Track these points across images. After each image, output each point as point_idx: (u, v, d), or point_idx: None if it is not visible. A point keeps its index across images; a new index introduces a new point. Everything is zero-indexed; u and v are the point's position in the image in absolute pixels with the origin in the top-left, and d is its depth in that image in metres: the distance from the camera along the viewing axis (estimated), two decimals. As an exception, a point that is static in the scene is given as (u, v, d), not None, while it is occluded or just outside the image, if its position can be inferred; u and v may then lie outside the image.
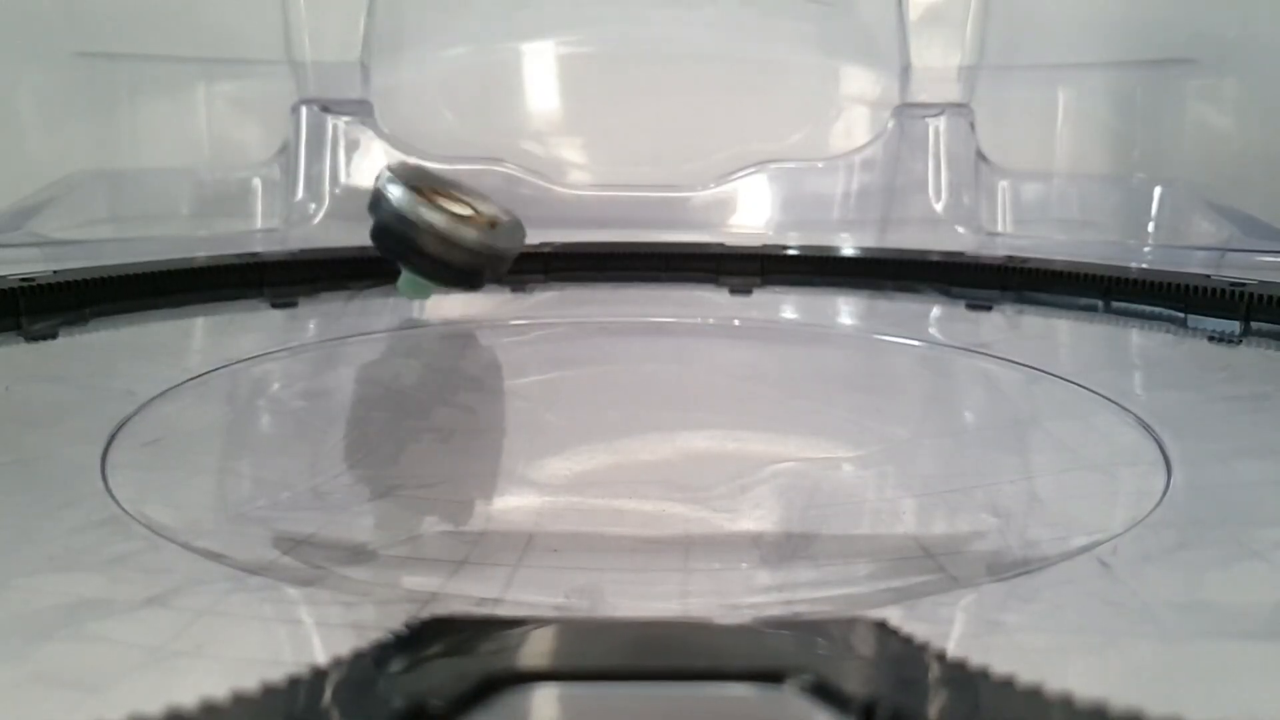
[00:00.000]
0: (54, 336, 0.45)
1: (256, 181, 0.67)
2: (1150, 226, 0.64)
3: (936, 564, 0.24)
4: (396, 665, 0.15)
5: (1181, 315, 0.48)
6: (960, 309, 0.55)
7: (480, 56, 0.72)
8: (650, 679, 0.14)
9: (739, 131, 0.71)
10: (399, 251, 0.43)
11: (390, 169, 0.44)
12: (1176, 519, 0.26)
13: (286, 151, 0.67)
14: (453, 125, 0.71)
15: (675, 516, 0.28)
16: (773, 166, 0.70)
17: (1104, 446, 0.33)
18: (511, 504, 0.29)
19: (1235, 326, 0.46)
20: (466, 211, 0.45)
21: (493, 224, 0.46)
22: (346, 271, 0.58)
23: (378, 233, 0.43)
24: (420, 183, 0.45)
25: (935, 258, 0.59)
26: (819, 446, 0.36)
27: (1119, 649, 0.20)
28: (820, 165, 0.71)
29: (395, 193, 0.43)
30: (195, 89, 0.68)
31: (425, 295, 0.45)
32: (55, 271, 0.48)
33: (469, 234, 0.43)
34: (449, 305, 0.56)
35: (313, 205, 0.67)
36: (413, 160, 0.68)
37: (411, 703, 0.13)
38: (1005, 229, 0.67)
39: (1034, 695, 0.13)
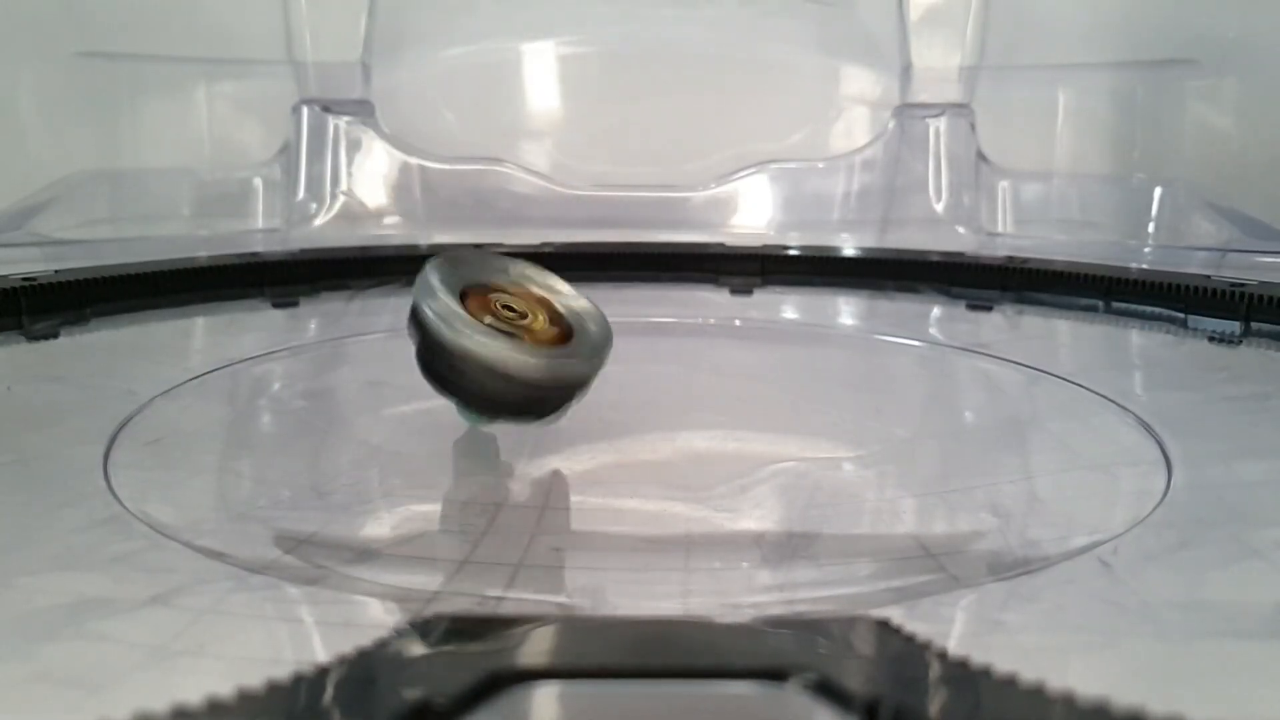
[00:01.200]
0: (55, 336, 0.45)
1: (257, 181, 0.67)
2: (1150, 227, 0.64)
3: (937, 564, 0.24)
4: (399, 663, 0.15)
5: (1182, 316, 0.48)
6: (960, 309, 0.55)
7: (480, 56, 0.72)
8: (652, 677, 0.14)
9: (739, 131, 0.71)
10: (441, 382, 0.31)
11: (435, 266, 0.32)
12: (1177, 519, 0.26)
13: (287, 151, 0.67)
14: (453, 125, 0.71)
15: (676, 516, 0.28)
16: (773, 167, 0.70)
17: (1104, 447, 0.33)
18: (512, 504, 0.29)
19: (1235, 327, 0.46)
20: (535, 321, 0.32)
21: (564, 337, 0.32)
22: (347, 271, 0.58)
23: (418, 355, 0.32)
24: (475, 279, 0.33)
25: (935, 258, 0.59)
26: (819, 446, 0.36)
27: (1120, 648, 0.20)
28: (820, 165, 0.71)
29: (433, 310, 0.30)
30: (196, 89, 0.68)
31: (489, 422, 0.33)
32: (56, 271, 0.48)
33: (525, 363, 0.30)
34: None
35: (314, 205, 0.67)
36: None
37: (414, 700, 0.13)
38: (1005, 229, 0.67)
39: (1035, 694, 0.13)
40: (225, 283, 0.54)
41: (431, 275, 0.32)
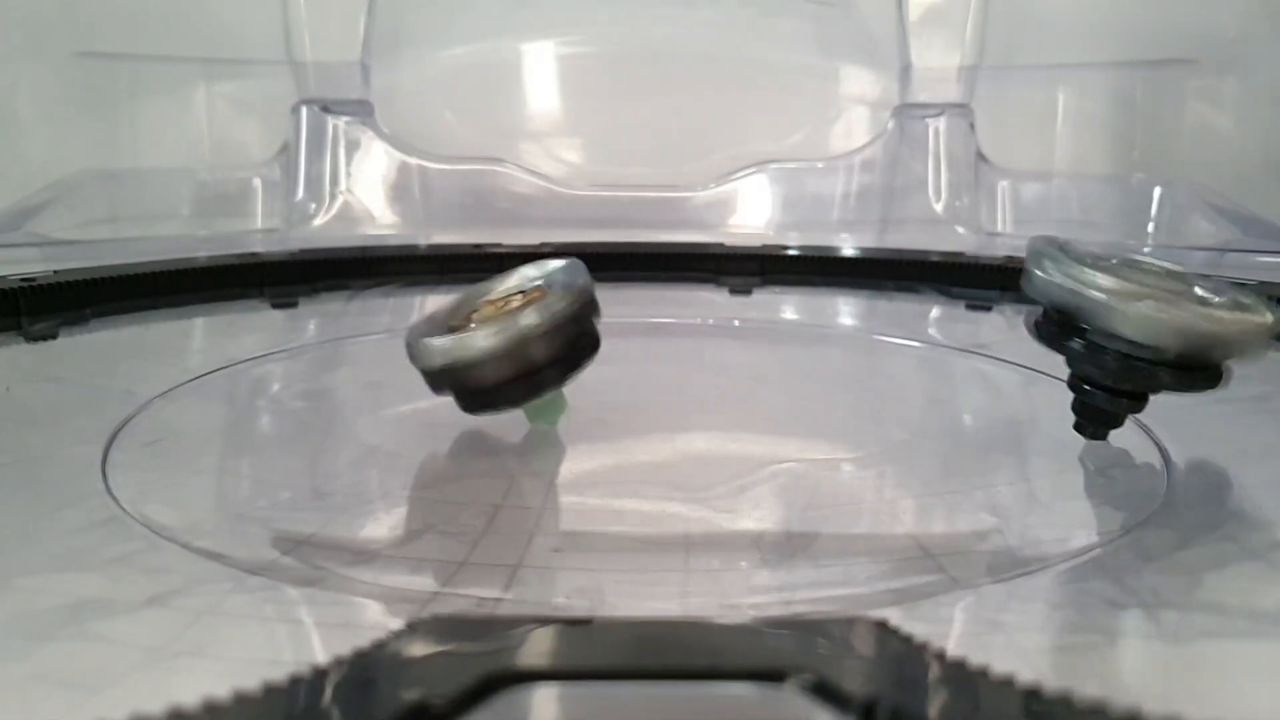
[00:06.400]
0: (54, 337, 0.45)
1: (256, 181, 0.67)
2: (1150, 226, 0.64)
3: (936, 564, 0.24)
4: (397, 664, 0.15)
5: (1181, 315, 0.48)
6: (960, 309, 0.55)
7: (480, 56, 0.72)
8: (650, 678, 0.14)
9: (739, 131, 0.71)
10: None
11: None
12: (1176, 520, 0.26)
13: (287, 151, 0.67)
14: (453, 125, 0.71)
15: (675, 516, 0.28)
16: (773, 167, 0.70)
17: (1103, 447, 0.33)
18: (512, 504, 0.29)
19: (1235, 327, 0.46)
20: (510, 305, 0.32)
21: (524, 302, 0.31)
22: (346, 271, 0.58)
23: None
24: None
25: (935, 258, 0.59)
26: (819, 447, 0.36)
27: (1119, 649, 0.20)
28: (820, 165, 0.71)
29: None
30: (195, 89, 0.68)
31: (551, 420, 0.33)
32: (55, 271, 0.48)
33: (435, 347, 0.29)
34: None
35: (313, 205, 0.67)
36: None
37: (412, 702, 0.13)
38: (1005, 229, 0.67)
39: (1033, 695, 0.13)
40: (224, 283, 0.54)
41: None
